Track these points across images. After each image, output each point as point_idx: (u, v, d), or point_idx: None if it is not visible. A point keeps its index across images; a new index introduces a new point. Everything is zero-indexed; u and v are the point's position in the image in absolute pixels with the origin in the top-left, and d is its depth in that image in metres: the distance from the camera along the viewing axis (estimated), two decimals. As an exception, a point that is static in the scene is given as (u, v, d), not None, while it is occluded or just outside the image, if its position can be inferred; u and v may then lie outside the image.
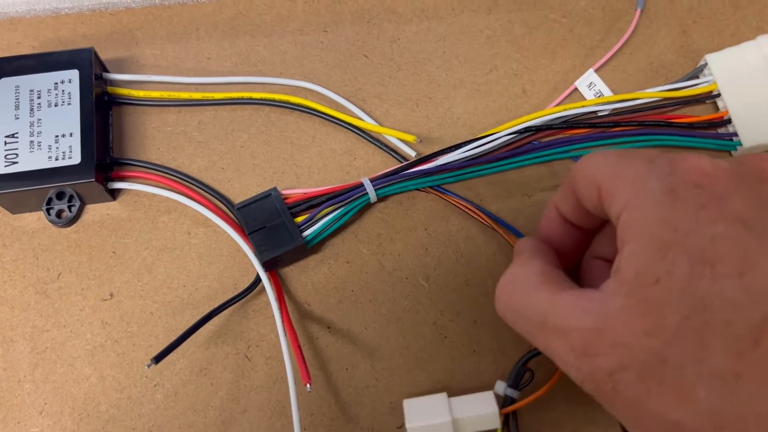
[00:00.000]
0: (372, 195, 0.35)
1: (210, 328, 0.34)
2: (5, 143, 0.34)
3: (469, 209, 0.36)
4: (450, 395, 0.32)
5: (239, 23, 0.40)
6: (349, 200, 0.35)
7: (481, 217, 0.35)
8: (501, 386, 0.32)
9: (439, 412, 0.31)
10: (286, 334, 0.32)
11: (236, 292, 0.34)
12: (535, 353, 0.32)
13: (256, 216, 0.35)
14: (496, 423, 0.31)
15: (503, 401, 0.32)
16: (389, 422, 0.33)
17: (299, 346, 0.32)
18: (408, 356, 0.34)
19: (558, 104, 0.39)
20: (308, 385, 0.30)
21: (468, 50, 0.40)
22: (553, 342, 0.23)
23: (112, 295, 0.35)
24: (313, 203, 0.35)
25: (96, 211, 0.36)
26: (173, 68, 0.39)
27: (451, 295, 0.35)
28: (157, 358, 0.30)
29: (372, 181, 0.35)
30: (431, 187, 0.36)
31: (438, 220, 0.36)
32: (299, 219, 0.35)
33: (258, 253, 0.34)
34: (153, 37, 0.40)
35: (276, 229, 0.34)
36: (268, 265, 0.34)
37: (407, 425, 0.31)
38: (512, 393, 0.32)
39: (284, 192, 0.36)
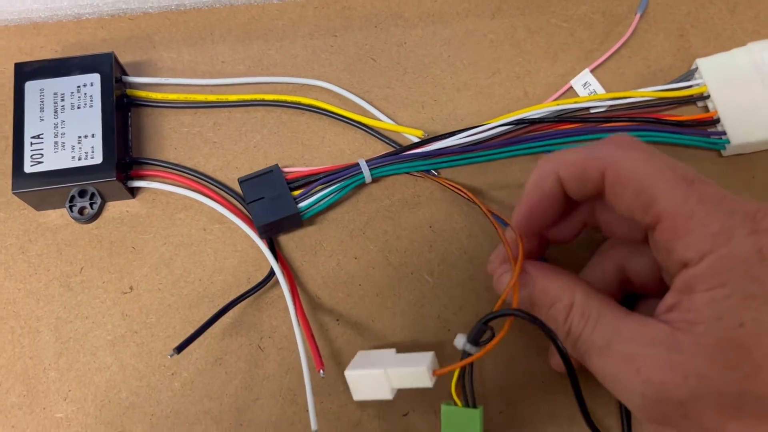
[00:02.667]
0: (367, 175, 0.37)
1: (225, 320, 0.36)
2: (31, 144, 0.36)
3: (460, 190, 0.37)
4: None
5: (252, 27, 0.42)
6: (344, 177, 0.37)
7: (470, 197, 0.37)
8: (461, 340, 0.32)
9: (377, 363, 0.32)
10: (299, 324, 0.34)
11: (249, 286, 0.36)
12: (498, 314, 0.32)
13: (257, 188, 0.36)
14: (426, 381, 0.31)
15: (462, 356, 0.32)
16: (395, 409, 0.35)
17: (312, 335, 0.33)
18: (413, 348, 0.36)
19: (552, 101, 0.40)
20: (321, 371, 0.32)
21: (472, 54, 0.42)
22: (617, 366, 0.24)
23: (131, 288, 0.36)
24: (311, 180, 0.37)
25: (116, 208, 0.38)
26: (189, 71, 0.41)
27: (454, 289, 0.37)
28: (179, 348, 0.32)
29: (368, 162, 0.37)
30: (425, 171, 0.38)
31: (442, 219, 0.38)
32: (296, 192, 0.37)
33: (255, 220, 0.36)
34: (170, 40, 0.41)
35: (274, 199, 0.36)
36: (265, 231, 0.36)
37: (346, 372, 0.32)
38: (471, 349, 0.32)
39: (285, 169, 0.38)
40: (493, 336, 0.32)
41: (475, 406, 0.31)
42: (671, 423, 0.23)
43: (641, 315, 0.25)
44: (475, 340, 0.32)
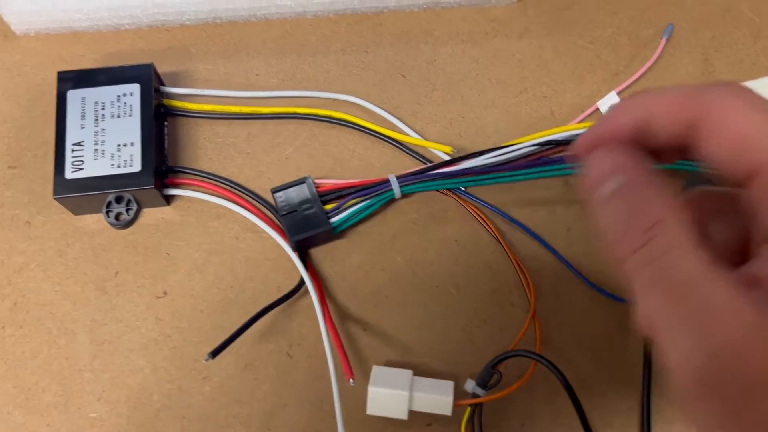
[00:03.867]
0: (396, 191, 0.38)
1: (255, 327, 0.36)
2: (72, 151, 0.37)
3: (479, 214, 0.38)
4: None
5: (286, 42, 0.43)
6: (375, 194, 0.38)
7: (487, 224, 0.38)
8: (470, 384, 0.34)
9: (400, 383, 0.33)
10: (328, 333, 0.35)
11: (279, 294, 0.37)
12: (507, 355, 0.34)
13: (290, 200, 0.37)
14: (448, 410, 0.33)
15: (470, 398, 0.34)
16: (419, 419, 0.35)
17: (341, 344, 0.34)
18: (438, 359, 0.37)
19: (579, 122, 0.41)
20: (351, 380, 0.33)
21: (500, 73, 0.43)
22: (692, 314, 0.18)
23: (165, 293, 0.37)
24: (342, 194, 0.38)
25: (151, 215, 0.39)
26: (224, 83, 0.42)
27: (479, 303, 0.38)
28: (214, 353, 0.33)
29: (398, 178, 0.38)
30: (451, 190, 0.39)
31: (468, 234, 0.39)
32: (328, 206, 0.38)
33: (289, 234, 0.36)
34: (206, 52, 0.43)
35: (307, 213, 0.37)
36: (298, 245, 0.37)
37: (369, 387, 0.33)
38: (480, 392, 0.34)
39: (317, 181, 0.39)
40: (500, 379, 0.33)
41: None
42: (726, 401, 0.20)
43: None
44: (483, 383, 0.33)
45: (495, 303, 0.38)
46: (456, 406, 0.34)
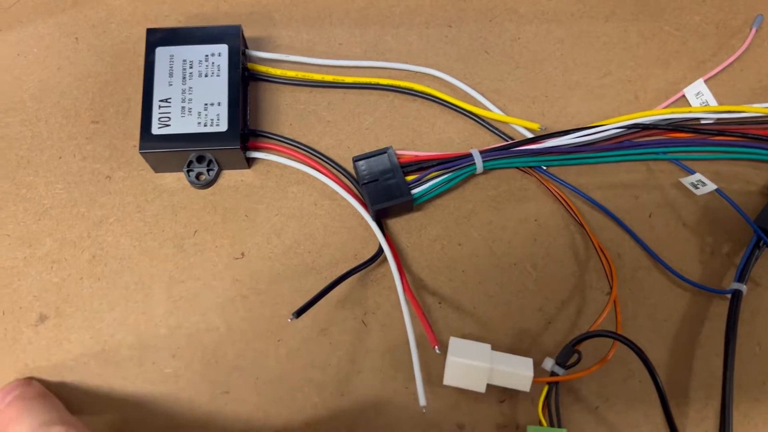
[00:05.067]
0: (479, 165, 0.37)
1: (330, 293, 0.36)
2: (159, 107, 0.37)
3: (560, 194, 0.38)
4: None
5: (370, 13, 0.43)
6: (457, 167, 0.38)
7: (568, 205, 0.38)
8: (549, 363, 0.34)
9: (481, 356, 0.33)
10: (408, 302, 0.35)
11: (356, 262, 0.37)
12: (589, 335, 0.33)
13: (371, 169, 0.37)
14: (527, 386, 0.33)
15: (549, 376, 0.34)
16: (492, 395, 0.35)
17: (423, 313, 0.34)
18: (513, 337, 0.36)
19: (665, 107, 0.40)
20: (437, 348, 0.33)
21: (584, 54, 0.42)
22: None
23: (243, 254, 0.38)
24: (423, 165, 0.38)
25: (231, 177, 0.39)
26: (306, 50, 0.42)
27: (557, 284, 0.37)
28: (298, 313, 0.33)
29: (481, 153, 0.38)
30: (532, 168, 0.38)
31: (548, 214, 0.38)
32: (409, 178, 0.37)
33: (370, 203, 0.36)
34: (289, 19, 0.43)
35: (388, 183, 0.37)
36: (377, 215, 0.37)
37: (449, 357, 0.33)
38: (559, 371, 0.34)
39: (398, 152, 0.38)
40: (579, 359, 0.33)
41: (560, 426, 0.32)
42: None
43: None
44: (562, 362, 0.33)
45: (573, 285, 0.37)
46: (534, 383, 0.33)
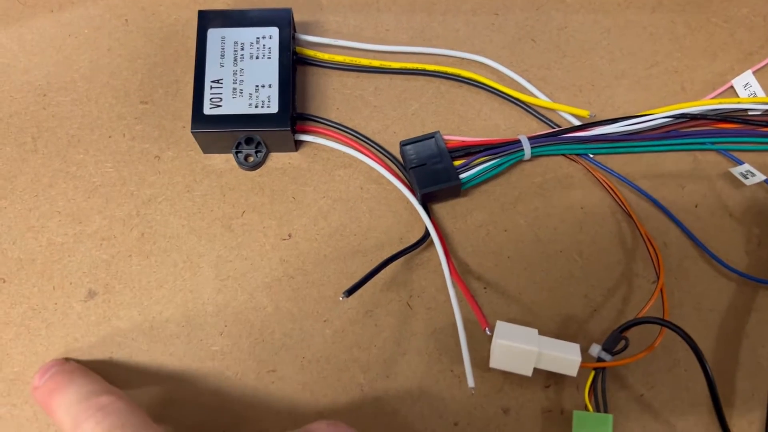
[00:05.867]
0: (527, 152, 0.38)
1: (376, 276, 0.37)
2: (211, 87, 0.38)
3: (607, 183, 0.38)
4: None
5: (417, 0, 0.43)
6: (505, 153, 0.38)
7: (615, 193, 0.38)
8: (596, 349, 0.34)
9: (528, 340, 0.33)
10: (455, 285, 0.35)
11: (401, 246, 0.37)
12: (637, 322, 0.33)
13: (419, 154, 0.37)
14: (574, 371, 0.33)
15: (596, 362, 0.34)
16: (538, 380, 0.35)
17: (472, 296, 0.34)
18: (559, 323, 0.36)
19: (713, 98, 0.40)
20: (487, 329, 0.33)
21: (631, 44, 0.42)
22: None
23: (290, 235, 0.38)
24: (470, 151, 0.38)
25: (278, 160, 0.39)
26: (354, 36, 0.42)
27: (603, 272, 0.37)
28: (349, 292, 0.33)
29: (529, 139, 0.38)
30: (579, 156, 0.38)
31: (595, 202, 0.38)
32: (456, 163, 0.38)
33: (418, 187, 0.36)
34: (337, 5, 0.43)
35: (436, 167, 0.37)
36: (424, 199, 0.37)
37: (496, 340, 0.33)
38: (605, 356, 0.34)
39: (445, 137, 0.39)
40: (627, 346, 0.33)
41: (606, 412, 0.32)
42: None
43: None
44: (609, 348, 0.33)
45: (619, 272, 0.37)
46: (580, 369, 0.33)
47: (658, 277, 0.36)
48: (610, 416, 0.33)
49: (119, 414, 0.29)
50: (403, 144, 0.38)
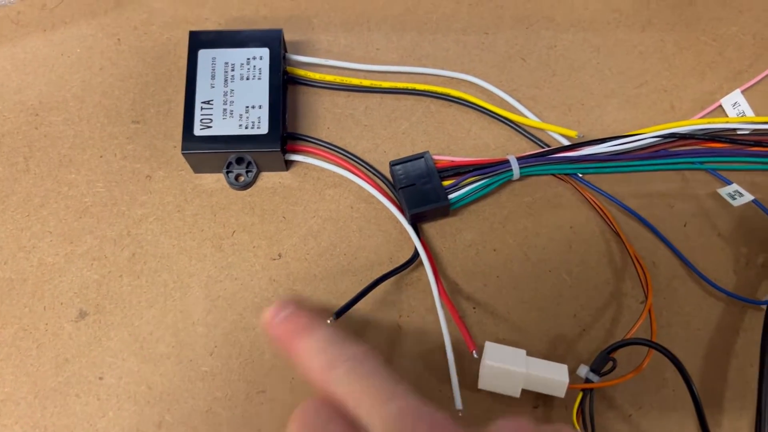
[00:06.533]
0: (516, 171, 0.38)
1: (365, 296, 0.37)
2: (201, 108, 0.38)
3: (595, 202, 0.38)
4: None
5: (407, 19, 0.43)
6: (494, 173, 0.38)
7: (604, 212, 0.38)
8: (584, 370, 0.34)
9: (516, 361, 0.33)
10: (443, 306, 0.35)
11: (391, 265, 0.37)
12: (625, 343, 0.33)
13: (408, 173, 0.38)
14: (562, 392, 0.33)
15: (584, 383, 0.34)
16: (526, 400, 0.35)
17: (460, 317, 0.34)
18: (548, 343, 0.36)
19: (701, 117, 0.41)
20: (474, 352, 0.33)
21: (620, 63, 0.42)
22: None
23: (280, 255, 0.38)
24: (460, 171, 0.38)
25: (269, 179, 0.40)
26: (344, 55, 0.42)
27: (592, 291, 0.37)
28: (338, 314, 0.33)
29: (518, 159, 0.38)
30: (568, 176, 0.39)
31: (583, 221, 0.39)
32: (446, 183, 0.38)
33: (407, 207, 0.37)
34: (328, 24, 0.43)
35: (425, 187, 0.37)
36: (413, 219, 0.37)
37: (484, 362, 0.33)
38: (593, 377, 0.34)
39: (435, 157, 0.39)
40: (614, 367, 0.33)
41: None
42: None
43: None
44: (597, 369, 0.33)
45: (608, 292, 0.37)
46: (568, 390, 0.34)
47: (647, 297, 0.36)
48: None
49: (373, 363, 0.28)
50: (393, 164, 0.38)
